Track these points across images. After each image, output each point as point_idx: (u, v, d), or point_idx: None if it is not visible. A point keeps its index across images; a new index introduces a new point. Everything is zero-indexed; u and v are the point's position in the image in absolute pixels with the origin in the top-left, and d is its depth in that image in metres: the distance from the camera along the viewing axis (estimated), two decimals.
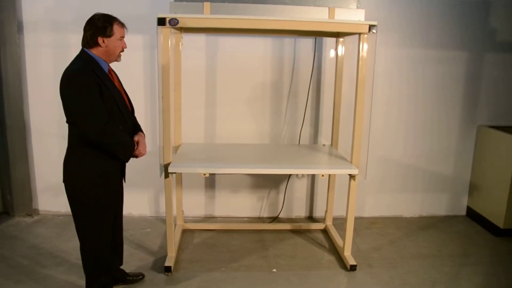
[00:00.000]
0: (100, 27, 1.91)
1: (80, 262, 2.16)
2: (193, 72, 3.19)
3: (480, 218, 3.47)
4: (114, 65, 2.11)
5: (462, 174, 3.60)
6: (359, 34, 2.45)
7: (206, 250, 2.91)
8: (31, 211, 3.38)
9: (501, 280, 2.64)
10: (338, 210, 3.35)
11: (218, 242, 3.04)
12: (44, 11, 3.07)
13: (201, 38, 3.17)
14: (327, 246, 3.04)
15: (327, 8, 2.70)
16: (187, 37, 3.04)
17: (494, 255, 2.97)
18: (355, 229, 2.93)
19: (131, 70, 3.14)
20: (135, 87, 3.03)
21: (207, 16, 2.54)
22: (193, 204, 3.45)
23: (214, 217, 3.51)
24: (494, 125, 3.45)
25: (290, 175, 3.43)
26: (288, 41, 3.22)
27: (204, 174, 2.60)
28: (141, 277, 2.50)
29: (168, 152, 2.50)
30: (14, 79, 3.14)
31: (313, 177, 3.50)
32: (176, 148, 2.99)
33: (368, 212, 3.60)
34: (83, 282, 2.23)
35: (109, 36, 1.94)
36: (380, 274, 2.66)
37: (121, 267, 2.42)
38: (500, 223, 3.21)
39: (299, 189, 3.52)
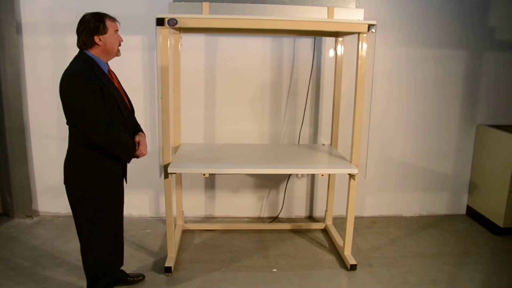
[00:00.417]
0: (93, 27, 1.90)
1: (80, 263, 2.16)
2: (192, 72, 3.19)
3: (480, 217, 3.47)
4: (114, 65, 2.11)
5: (462, 173, 3.60)
6: (358, 33, 2.45)
7: (206, 251, 2.91)
8: (31, 213, 3.38)
9: (502, 278, 2.64)
10: (338, 210, 3.35)
11: (218, 242, 3.04)
12: (42, 12, 3.07)
13: (200, 38, 3.17)
14: (327, 245, 3.04)
15: (326, 8, 2.70)
16: (186, 37, 3.04)
17: (494, 254, 2.97)
18: (355, 229, 2.93)
19: (130, 71, 3.14)
20: (134, 88, 3.02)
21: (206, 16, 2.54)
22: (193, 205, 3.44)
23: (214, 218, 3.51)
24: (494, 124, 3.45)
25: (290, 175, 3.43)
26: (287, 40, 3.22)
27: (204, 175, 2.60)
28: (141, 277, 2.50)
29: (168, 152, 2.50)
30: (13, 80, 3.14)
31: (313, 176, 3.50)
32: (176, 149, 2.98)
33: (368, 212, 3.60)
34: (83, 283, 2.23)
35: (105, 33, 1.93)
36: (381, 273, 2.66)
37: (122, 267, 2.42)
38: (500, 222, 3.21)
39: (299, 189, 3.52)
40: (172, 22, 2.28)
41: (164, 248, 2.87)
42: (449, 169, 3.58)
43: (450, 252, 2.97)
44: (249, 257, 2.84)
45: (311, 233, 3.23)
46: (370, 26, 2.39)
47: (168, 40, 2.35)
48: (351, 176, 2.62)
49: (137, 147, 2.09)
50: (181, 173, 3.10)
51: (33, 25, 3.10)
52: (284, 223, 3.37)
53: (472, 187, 3.59)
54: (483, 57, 3.38)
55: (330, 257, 2.87)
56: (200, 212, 3.50)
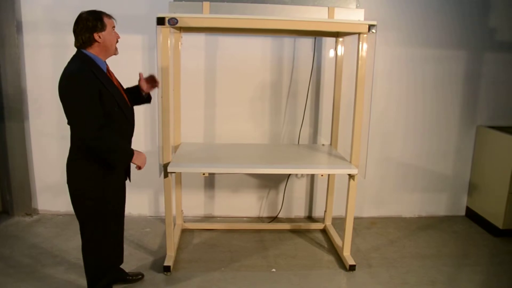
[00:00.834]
0: (92, 25, 1.89)
1: (80, 261, 2.16)
2: (192, 72, 3.19)
3: (479, 219, 3.47)
4: (114, 65, 2.11)
5: (462, 174, 3.60)
6: (359, 33, 2.45)
7: (206, 250, 2.91)
8: (31, 211, 3.38)
9: (501, 280, 2.64)
10: (337, 210, 3.35)
11: (218, 242, 3.04)
12: (43, 11, 3.07)
13: (200, 37, 3.17)
14: (326, 246, 3.04)
15: (327, 8, 2.70)
16: (187, 37, 3.04)
17: (493, 256, 2.97)
18: (354, 229, 2.94)
19: (131, 70, 3.10)
20: None
21: (206, 16, 2.54)
22: (192, 204, 3.45)
23: (213, 217, 3.51)
24: (494, 126, 3.45)
25: (289, 175, 3.43)
26: (287, 40, 3.22)
27: (204, 174, 2.60)
28: (140, 276, 2.51)
29: (168, 151, 2.50)
30: (13, 79, 3.14)
31: (312, 177, 3.50)
32: (176, 148, 2.99)
33: (367, 212, 3.60)
34: (83, 281, 2.23)
35: (103, 30, 1.92)
36: (380, 274, 2.66)
37: (121, 266, 2.42)
38: (499, 223, 3.21)
39: (299, 189, 3.52)
40: (173, 22, 2.28)
41: (163, 247, 2.88)
42: (448, 170, 3.58)
43: (449, 253, 2.97)
44: (249, 257, 2.84)
45: (310, 233, 3.23)
46: (370, 27, 2.39)
47: (169, 39, 2.35)
48: (351, 176, 2.62)
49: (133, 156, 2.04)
50: (180, 173, 3.10)
51: (33, 23, 3.10)
52: (284, 223, 3.38)
53: (472, 189, 3.59)
54: (483, 58, 3.38)
55: (329, 257, 2.87)
56: (200, 212, 3.50)
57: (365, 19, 2.68)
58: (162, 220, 3.38)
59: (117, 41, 2.02)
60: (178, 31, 2.85)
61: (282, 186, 3.48)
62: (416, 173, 3.55)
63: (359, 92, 2.52)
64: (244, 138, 3.33)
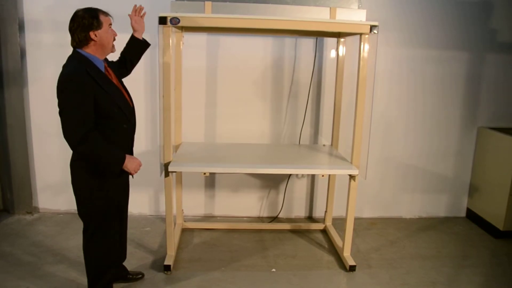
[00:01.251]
0: (88, 23, 1.87)
1: (81, 259, 2.16)
2: (193, 71, 3.19)
3: (480, 220, 3.46)
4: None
5: (462, 175, 3.60)
6: (360, 34, 2.45)
7: (206, 250, 2.92)
8: (31, 209, 3.38)
9: (501, 282, 2.64)
10: (337, 211, 3.34)
11: (218, 242, 3.04)
12: (45, 10, 3.08)
13: (202, 37, 3.18)
14: (326, 246, 3.04)
15: (328, 8, 2.69)
16: (188, 36, 3.04)
17: (494, 257, 2.97)
18: (354, 230, 2.94)
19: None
20: (135, 86, 3.01)
21: (208, 16, 2.54)
22: (193, 203, 3.45)
23: (214, 217, 3.51)
24: (495, 127, 3.45)
25: (290, 175, 3.43)
26: (289, 41, 3.22)
27: (204, 174, 2.60)
28: (140, 276, 2.51)
29: (168, 151, 2.50)
30: (15, 78, 3.14)
31: (313, 177, 3.50)
32: (176, 147, 2.99)
33: (367, 213, 3.60)
34: (83, 279, 2.23)
35: (99, 28, 1.89)
36: (380, 275, 2.66)
37: (123, 264, 2.42)
38: (500, 225, 3.20)
39: (299, 189, 3.52)
40: (175, 21, 2.29)
41: (163, 246, 2.88)
42: (449, 171, 3.58)
43: (449, 255, 2.97)
44: (249, 256, 2.84)
45: (310, 234, 3.23)
46: (372, 27, 2.39)
47: (170, 39, 2.35)
48: (351, 177, 2.62)
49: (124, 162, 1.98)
50: (181, 172, 3.10)
51: (35, 22, 3.10)
52: (284, 223, 3.38)
53: (472, 190, 3.59)
54: (484, 59, 3.38)
55: (329, 258, 2.87)
56: (200, 211, 3.50)
57: (366, 19, 2.68)
58: (162, 219, 3.38)
59: (114, 39, 1.99)
60: (180, 31, 2.85)
61: (282, 186, 3.48)
62: (417, 174, 3.55)
63: (360, 93, 2.52)
64: (245, 138, 3.33)
